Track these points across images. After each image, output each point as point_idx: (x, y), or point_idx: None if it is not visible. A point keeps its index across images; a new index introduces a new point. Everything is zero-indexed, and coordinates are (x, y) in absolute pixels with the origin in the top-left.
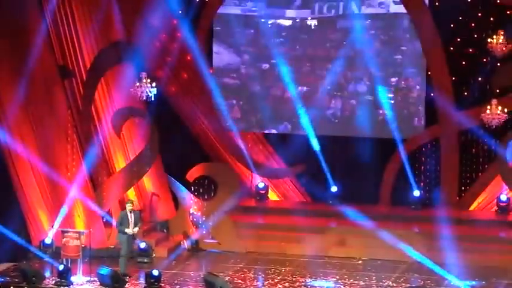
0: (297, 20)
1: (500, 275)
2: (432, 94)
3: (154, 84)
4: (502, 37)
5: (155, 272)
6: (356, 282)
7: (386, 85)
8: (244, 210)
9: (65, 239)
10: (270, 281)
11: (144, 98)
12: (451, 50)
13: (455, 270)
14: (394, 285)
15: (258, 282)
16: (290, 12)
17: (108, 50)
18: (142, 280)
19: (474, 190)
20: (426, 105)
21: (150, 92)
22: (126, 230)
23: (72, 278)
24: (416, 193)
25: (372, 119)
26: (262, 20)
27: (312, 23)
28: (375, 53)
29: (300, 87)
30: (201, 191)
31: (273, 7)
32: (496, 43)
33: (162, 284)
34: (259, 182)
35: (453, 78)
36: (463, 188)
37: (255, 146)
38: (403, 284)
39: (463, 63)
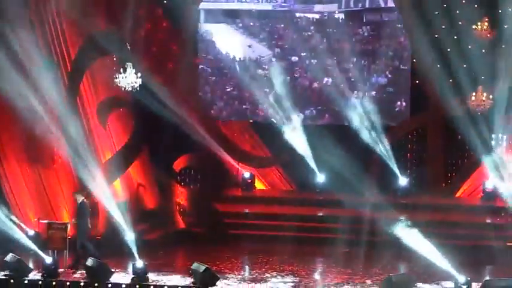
0: (325, 14)
1: (487, 260)
2: (417, 81)
3: (139, 74)
4: (486, 24)
5: (142, 263)
6: (344, 269)
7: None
8: (231, 199)
9: (51, 231)
10: (258, 270)
11: (129, 89)
12: (436, 37)
13: (442, 256)
14: (381, 272)
15: (246, 272)
16: (318, 7)
17: (92, 41)
18: (129, 271)
19: (460, 177)
20: (411, 92)
21: (135, 82)
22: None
23: (59, 270)
24: (403, 181)
25: (390, 110)
26: (292, 15)
27: (340, 16)
28: (399, 46)
29: (326, 79)
30: (187, 180)
31: (301, 2)
32: (481, 30)
33: (149, 275)
34: (246, 171)
35: (438, 66)
36: (449, 174)
37: (241, 135)
38: (391, 271)
39: (448, 50)
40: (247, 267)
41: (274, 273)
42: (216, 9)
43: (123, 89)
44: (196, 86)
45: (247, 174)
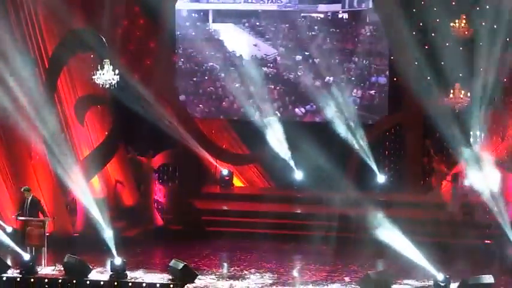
0: (329, 14)
1: (465, 258)
2: (395, 79)
3: (117, 71)
4: (464, 22)
5: (120, 260)
6: (322, 267)
7: None
8: (209, 196)
9: (29, 228)
10: (236, 267)
11: (107, 86)
12: (413, 34)
13: (420, 253)
14: (360, 269)
15: (224, 269)
16: (322, 7)
17: (70, 38)
18: (107, 268)
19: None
20: (390, 90)
21: (113, 79)
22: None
23: (37, 267)
24: (381, 178)
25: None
26: (296, 15)
27: (343, 16)
28: None
29: (327, 78)
30: (165, 177)
31: (305, 2)
32: (459, 27)
33: (127, 272)
34: (224, 168)
35: (416, 63)
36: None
37: (219, 132)
38: (369, 269)
39: (426, 47)
40: (225, 264)
41: (252, 271)
42: (224, 9)
43: (100, 86)
44: (174, 83)
45: (225, 172)
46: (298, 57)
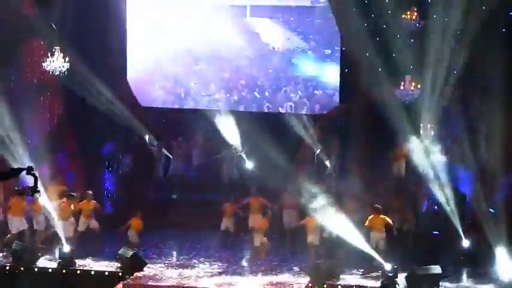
0: None
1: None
2: (346, 70)
3: (67, 59)
4: (415, 14)
5: (69, 248)
6: (271, 257)
7: None
8: (159, 185)
9: None
10: (185, 256)
11: (57, 73)
12: (365, 26)
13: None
14: (309, 258)
15: (173, 257)
16: None
17: (20, 24)
18: (56, 255)
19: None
20: (341, 81)
21: (62, 66)
22: None
23: None
24: (330, 168)
25: None
26: (328, 10)
27: None
28: None
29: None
30: (115, 166)
31: None
32: (410, 19)
33: (76, 260)
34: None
35: (367, 54)
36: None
37: (169, 121)
38: (318, 258)
39: (378, 39)
40: (174, 253)
41: (201, 259)
42: (261, 5)
43: (50, 73)
44: (124, 71)
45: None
46: (328, 51)
